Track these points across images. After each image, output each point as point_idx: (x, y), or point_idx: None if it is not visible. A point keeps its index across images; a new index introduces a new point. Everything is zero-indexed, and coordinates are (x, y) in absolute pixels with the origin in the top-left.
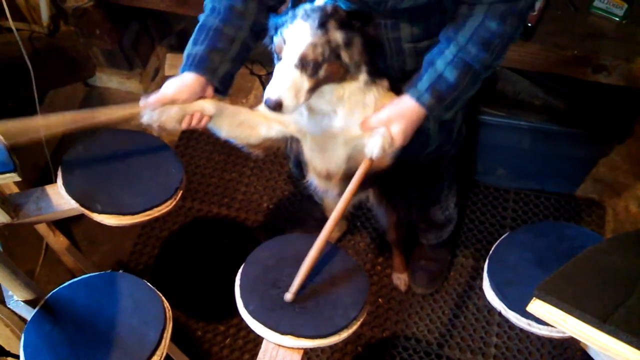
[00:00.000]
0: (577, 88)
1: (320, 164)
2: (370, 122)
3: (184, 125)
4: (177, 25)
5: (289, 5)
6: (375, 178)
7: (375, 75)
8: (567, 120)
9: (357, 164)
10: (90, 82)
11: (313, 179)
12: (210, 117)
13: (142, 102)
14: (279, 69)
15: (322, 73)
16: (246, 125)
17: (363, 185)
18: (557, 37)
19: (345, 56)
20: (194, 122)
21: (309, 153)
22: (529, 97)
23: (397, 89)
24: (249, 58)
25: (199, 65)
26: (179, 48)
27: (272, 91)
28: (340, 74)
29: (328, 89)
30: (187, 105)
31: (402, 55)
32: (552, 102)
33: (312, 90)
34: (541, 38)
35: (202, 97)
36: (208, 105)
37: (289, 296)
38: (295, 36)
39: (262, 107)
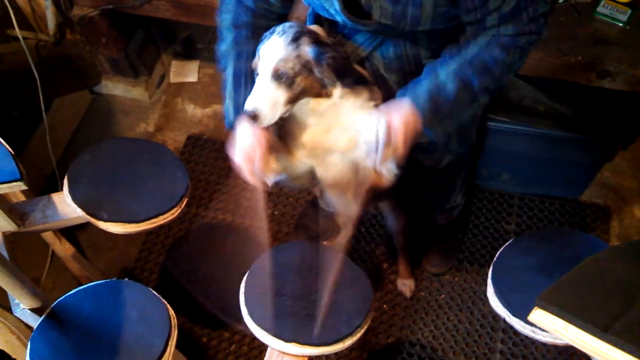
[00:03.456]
0: (582, 94)
1: (326, 176)
2: (369, 115)
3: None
4: (182, 32)
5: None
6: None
7: (351, 86)
8: (571, 126)
9: (370, 183)
10: (96, 89)
11: (323, 189)
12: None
13: (239, 166)
14: (257, 82)
15: (296, 87)
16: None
17: (378, 197)
18: (561, 42)
19: (317, 72)
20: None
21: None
22: (534, 103)
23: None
24: None
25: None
26: (184, 55)
27: (248, 103)
28: (317, 88)
29: (307, 103)
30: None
31: (421, 70)
32: (557, 107)
33: (290, 102)
34: (545, 44)
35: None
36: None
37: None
38: (269, 51)
39: None
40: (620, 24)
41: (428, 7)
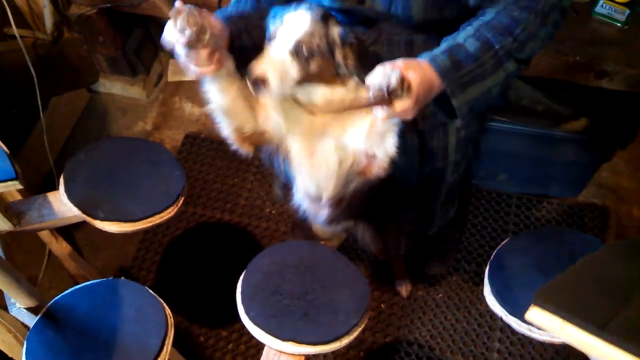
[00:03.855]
0: (580, 93)
1: (308, 175)
2: (382, 65)
3: (204, 54)
4: None
5: None
6: (366, 208)
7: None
8: (569, 126)
9: (358, 170)
10: (94, 88)
11: (302, 200)
12: (221, 69)
13: (178, 5)
14: (271, 49)
15: (312, 66)
16: (248, 103)
17: (353, 212)
18: (560, 42)
19: (339, 55)
20: (215, 57)
21: (297, 159)
22: (532, 103)
23: None
24: None
25: (228, 18)
26: None
27: (258, 66)
28: (330, 75)
29: (318, 91)
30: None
31: None
32: (555, 107)
33: (300, 83)
34: None
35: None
36: (229, 57)
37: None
38: (295, 22)
39: (263, 99)
40: (619, 24)
41: None
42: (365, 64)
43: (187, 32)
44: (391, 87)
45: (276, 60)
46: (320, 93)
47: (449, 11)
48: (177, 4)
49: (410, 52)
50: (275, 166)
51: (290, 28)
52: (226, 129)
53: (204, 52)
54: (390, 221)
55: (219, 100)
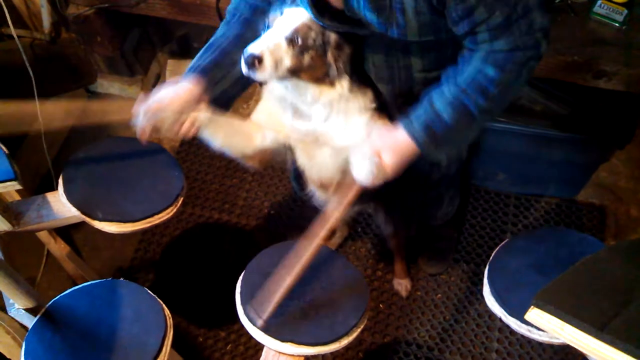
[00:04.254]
0: (578, 93)
1: (314, 173)
2: (360, 148)
3: (175, 130)
4: (178, 31)
5: None
6: (375, 194)
7: (358, 86)
8: (567, 126)
9: (350, 175)
10: (92, 88)
11: (313, 189)
12: (200, 126)
13: (137, 105)
14: (267, 33)
15: (306, 59)
16: (241, 134)
17: (361, 200)
18: (558, 42)
19: (330, 56)
20: (184, 129)
21: (302, 162)
22: (530, 103)
23: (383, 105)
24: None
25: (200, 74)
26: (180, 54)
27: (255, 46)
28: (320, 74)
29: (307, 89)
30: (182, 113)
31: (411, 83)
32: (553, 107)
33: (291, 72)
34: None
35: (197, 105)
36: (201, 115)
37: (260, 322)
38: (294, 13)
39: (254, 117)
40: (617, 24)
41: (411, 16)
42: (357, 71)
43: (142, 136)
44: (366, 181)
45: (272, 44)
46: (310, 93)
47: (444, 34)
48: (138, 100)
49: (407, 61)
50: (287, 163)
51: (290, 18)
52: (231, 155)
53: (171, 133)
54: (400, 203)
55: (213, 143)
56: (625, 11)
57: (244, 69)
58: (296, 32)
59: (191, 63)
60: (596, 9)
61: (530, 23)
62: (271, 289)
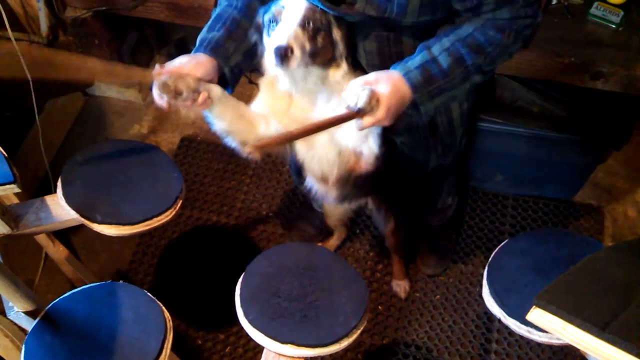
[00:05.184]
0: (575, 95)
1: (314, 165)
2: (355, 81)
3: (188, 103)
4: (176, 34)
5: None
6: (374, 186)
7: (354, 67)
8: (565, 127)
9: (349, 166)
10: (89, 91)
11: (312, 183)
12: (212, 101)
13: (157, 69)
14: (281, 26)
15: (319, 41)
16: (246, 120)
17: (362, 191)
18: (555, 44)
19: (336, 33)
20: (199, 100)
21: (302, 153)
22: (527, 104)
23: None
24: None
25: (214, 49)
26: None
27: (279, 38)
28: (329, 55)
29: (317, 73)
30: (200, 82)
31: None
32: (550, 108)
33: (311, 57)
34: (539, 45)
35: (211, 80)
36: (216, 89)
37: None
38: (295, 3)
39: (252, 106)
40: (613, 26)
41: None
42: (352, 52)
43: (164, 98)
44: (359, 106)
45: (292, 32)
46: (319, 77)
47: (441, 13)
48: (157, 68)
49: (399, 47)
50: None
51: (293, 7)
52: (232, 143)
53: (186, 103)
54: (400, 196)
55: (219, 124)
56: (622, 13)
57: (275, 62)
58: (305, 17)
59: (200, 35)
60: (593, 10)
61: None
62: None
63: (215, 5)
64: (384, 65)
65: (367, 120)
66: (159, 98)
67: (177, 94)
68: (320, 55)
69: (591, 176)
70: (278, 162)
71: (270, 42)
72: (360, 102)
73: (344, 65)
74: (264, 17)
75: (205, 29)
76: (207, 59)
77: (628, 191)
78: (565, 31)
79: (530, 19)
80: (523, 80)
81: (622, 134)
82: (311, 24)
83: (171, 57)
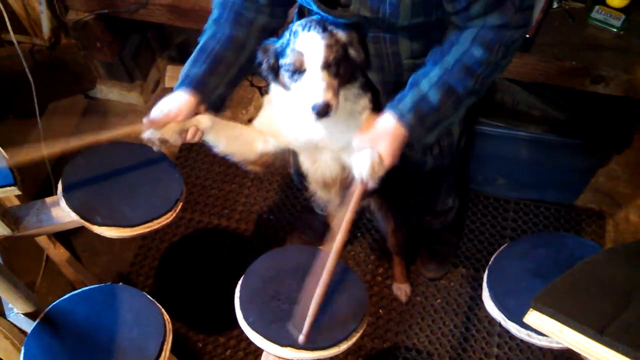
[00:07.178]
0: (576, 99)
1: (317, 175)
2: (354, 144)
3: (179, 142)
4: (178, 37)
5: (294, 20)
6: (376, 188)
7: (365, 84)
8: (566, 131)
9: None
10: (91, 94)
11: (315, 190)
12: (204, 132)
13: (145, 120)
14: (309, 77)
15: (342, 71)
16: (242, 140)
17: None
18: (556, 48)
19: (352, 52)
20: (189, 137)
21: (306, 166)
22: (528, 108)
23: (378, 104)
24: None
25: (196, 86)
26: (180, 60)
27: (315, 96)
28: (348, 75)
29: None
30: (185, 122)
31: (400, 70)
32: (551, 112)
33: (339, 89)
34: (540, 49)
35: (197, 113)
36: (204, 120)
37: (301, 338)
38: (310, 44)
39: (256, 123)
40: (614, 29)
41: None
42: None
43: (154, 147)
44: (363, 177)
45: (321, 82)
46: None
47: (434, 15)
48: (144, 120)
49: (396, 48)
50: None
51: (311, 52)
52: (234, 159)
53: (177, 143)
54: (398, 196)
55: (218, 147)
56: (623, 16)
57: (314, 118)
58: (326, 59)
59: (184, 70)
60: (594, 14)
61: (522, 0)
62: (304, 304)
63: None
64: (381, 66)
65: (373, 173)
66: (152, 146)
67: (163, 142)
68: (343, 81)
69: (592, 180)
70: (277, 173)
71: (302, 95)
72: (364, 174)
73: (360, 78)
74: (281, 62)
75: (189, 62)
76: (189, 96)
77: (629, 195)
78: (566, 35)
79: (520, 30)
80: (524, 84)
81: (623, 137)
82: (332, 59)
83: (173, 60)
